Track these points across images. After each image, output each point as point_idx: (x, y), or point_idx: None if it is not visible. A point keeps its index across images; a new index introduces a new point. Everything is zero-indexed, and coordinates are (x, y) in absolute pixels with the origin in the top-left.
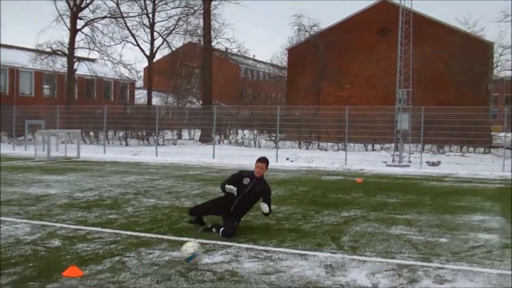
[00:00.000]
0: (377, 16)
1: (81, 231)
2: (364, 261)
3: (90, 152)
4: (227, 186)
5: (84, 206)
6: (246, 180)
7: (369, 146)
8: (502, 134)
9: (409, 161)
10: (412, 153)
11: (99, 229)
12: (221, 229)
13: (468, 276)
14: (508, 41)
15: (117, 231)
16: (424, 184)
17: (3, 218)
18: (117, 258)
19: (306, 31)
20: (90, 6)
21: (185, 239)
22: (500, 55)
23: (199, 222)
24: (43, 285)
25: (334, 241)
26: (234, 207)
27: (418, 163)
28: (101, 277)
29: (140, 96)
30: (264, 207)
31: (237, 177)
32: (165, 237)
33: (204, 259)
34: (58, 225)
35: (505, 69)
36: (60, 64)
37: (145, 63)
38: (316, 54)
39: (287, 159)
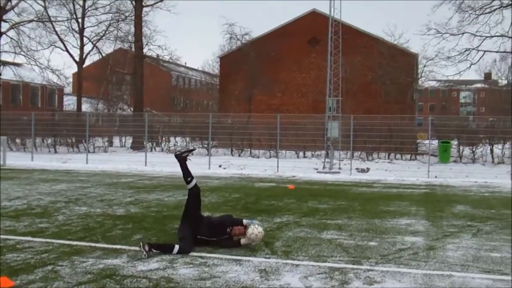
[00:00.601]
0: (307, 26)
1: (10, 241)
2: (297, 265)
3: (17, 159)
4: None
5: (13, 215)
6: (229, 229)
7: (301, 153)
8: (427, 141)
9: (339, 168)
10: (342, 160)
11: (29, 238)
12: (177, 247)
13: (396, 277)
14: (431, 53)
15: (48, 240)
16: (354, 190)
17: None
18: (49, 267)
19: (238, 39)
20: (16, 9)
21: (118, 246)
22: (424, 66)
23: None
24: None
25: (268, 246)
26: (203, 240)
27: (348, 169)
28: (33, 287)
29: (69, 102)
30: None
31: (230, 222)
32: (98, 245)
33: (139, 266)
34: None
35: (429, 80)
36: None
37: (74, 69)
38: (247, 62)
39: (220, 166)
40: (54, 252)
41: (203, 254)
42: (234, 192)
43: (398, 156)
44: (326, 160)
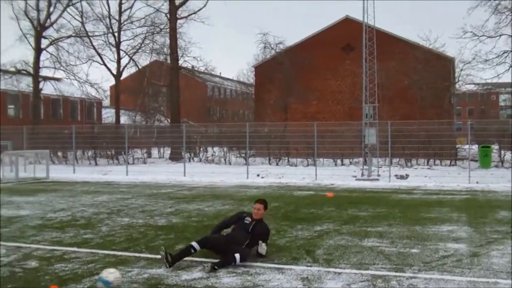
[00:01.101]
0: (341, 33)
1: (57, 251)
2: (339, 273)
3: (59, 172)
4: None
5: (58, 226)
6: (248, 219)
7: (338, 161)
8: (467, 146)
9: (378, 175)
10: (380, 167)
11: (75, 249)
12: (237, 255)
13: (440, 284)
14: (468, 56)
15: (93, 251)
16: (393, 197)
17: None
18: (96, 276)
19: (272, 48)
20: (55, 25)
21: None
22: (461, 70)
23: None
24: None
25: (309, 254)
26: (247, 244)
27: (386, 176)
28: None
29: (108, 115)
30: (262, 248)
31: (238, 216)
32: (142, 255)
33: (183, 276)
34: (33, 246)
35: (466, 83)
36: (25, 84)
37: (112, 82)
38: (282, 71)
39: (258, 175)
40: (100, 262)
41: (246, 263)
42: (273, 201)
43: (438, 162)
44: (365, 167)
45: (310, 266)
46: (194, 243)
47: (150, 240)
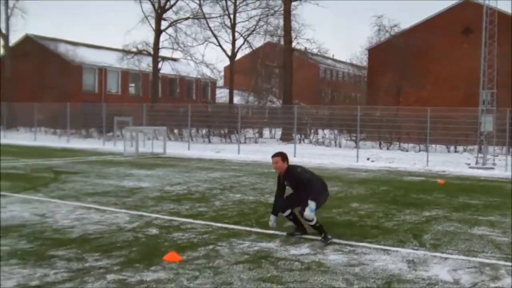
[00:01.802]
0: (460, 16)
1: (175, 222)
2: (446, 258)
3: (175, 148)
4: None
5: (175, 199)
6: (284, 183)
7: (451, 148)
8: None
9: (494, 164)
10: (496, 156)
11: (191, 220)
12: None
13: None
14: None
15: (208, 223)
16: (509, 187)
17: (103, 208)
18: (210, 246)
19: (387, 31)
20: (174, 8)
21: (271, 232)
22: None
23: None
24: (147, 267)
25: (416, 238)
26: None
27: (503, 166)
28: (198, 263)
29: (222, 95)
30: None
31: (281, 183)
32: (253, 229)
33: (292, 251)
34: (153, 215)
35: None
36: (145, 64)
37: (226, 63)
38: (396, 55)
39: (368, 159)
40: (214, 233)
41: (352, 243)
42: (382, 184)
43: None
44: (479, 155)
45: (417, 249)
46: (284, 214)
47: (260, 216)
